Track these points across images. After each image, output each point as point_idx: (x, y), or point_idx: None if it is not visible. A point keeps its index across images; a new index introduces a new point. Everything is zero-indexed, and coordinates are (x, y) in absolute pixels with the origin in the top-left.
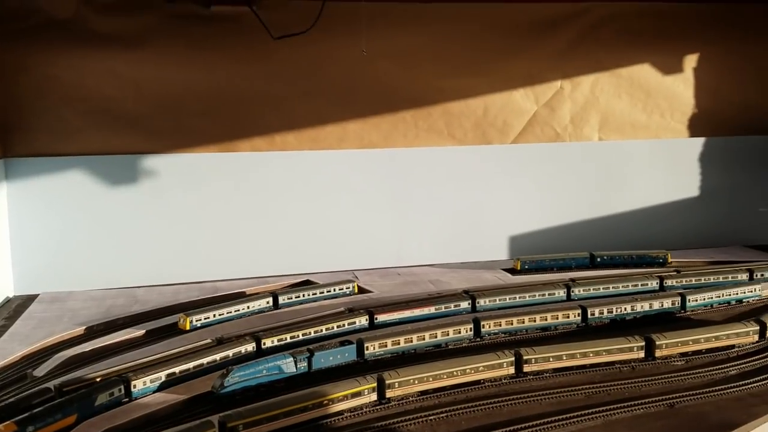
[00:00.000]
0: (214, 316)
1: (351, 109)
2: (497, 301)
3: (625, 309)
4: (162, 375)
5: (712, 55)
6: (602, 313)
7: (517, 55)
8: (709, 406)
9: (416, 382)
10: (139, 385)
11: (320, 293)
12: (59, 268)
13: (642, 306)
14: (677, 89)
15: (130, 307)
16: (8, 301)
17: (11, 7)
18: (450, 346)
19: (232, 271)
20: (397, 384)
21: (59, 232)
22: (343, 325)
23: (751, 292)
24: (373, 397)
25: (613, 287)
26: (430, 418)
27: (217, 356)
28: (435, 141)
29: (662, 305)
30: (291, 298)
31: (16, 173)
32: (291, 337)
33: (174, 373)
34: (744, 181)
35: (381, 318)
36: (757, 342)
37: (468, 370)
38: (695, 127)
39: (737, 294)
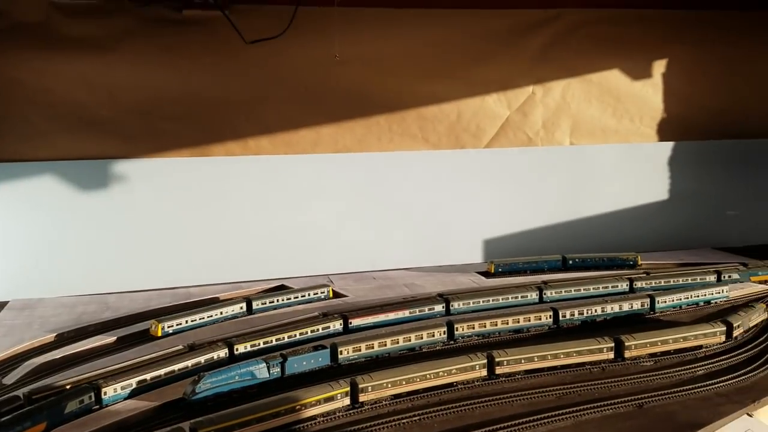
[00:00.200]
0: (187, 322)
1: (325, 114)
2: (471, 304)
3: (596, 311)
4: (133, 382)
5: (682, 61)
6: (573, 315)
7: (489, 61)
8: (677, 406)
9: (389, 385)
10: (109, 392)
11: (294, 298)
12: (29, 274)
13: (612, 308)
14: (646, 94)
15: (102, 313)
16: None
17: None
18: (424, 350)
19: (205, 277)
20: (370, 388)
21: (29, 239)
22: (318, 329)
23: (719, 293)
24: (347, 401)
25: (584, 289)
26: (403, 421)
27: (189, 362)
28: (409, 145)
29: (632, 307)
30: (265, 303)
31: None
32: (264, 343)
33: (145, 380)
34: (713, 185)
35: (355, 322)
36: (723, 342)
37: (441, 373)
38: (665, 132)
39: (705, 295)
